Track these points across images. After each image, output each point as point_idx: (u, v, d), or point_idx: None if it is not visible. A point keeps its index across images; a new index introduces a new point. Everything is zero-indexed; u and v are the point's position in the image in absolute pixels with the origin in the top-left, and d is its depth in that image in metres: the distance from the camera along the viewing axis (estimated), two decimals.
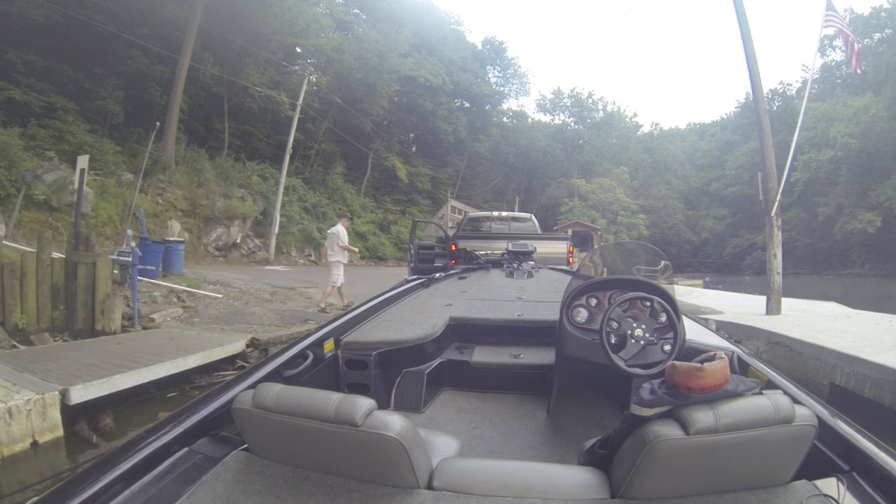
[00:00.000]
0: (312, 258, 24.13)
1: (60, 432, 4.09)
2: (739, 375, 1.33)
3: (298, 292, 11.24)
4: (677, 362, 1.26)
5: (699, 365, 1.22)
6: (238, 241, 19.98)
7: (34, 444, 3.91)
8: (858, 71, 8.97)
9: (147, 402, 5.12)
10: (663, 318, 2.12)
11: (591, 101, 55.46)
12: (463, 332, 3.49)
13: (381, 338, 2.93)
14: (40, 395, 3.99)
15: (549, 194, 49.14)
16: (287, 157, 21.41)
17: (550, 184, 50.11)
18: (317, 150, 28.51)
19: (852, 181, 38.34)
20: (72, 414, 4.26)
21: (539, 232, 9.83)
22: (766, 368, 2.14)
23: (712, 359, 1.26)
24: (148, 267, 8.97)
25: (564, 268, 6.88)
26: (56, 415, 4.07)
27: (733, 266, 47.79)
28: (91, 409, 4.54)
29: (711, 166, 58.56)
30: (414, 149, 40.12)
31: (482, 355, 3.23)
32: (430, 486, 1.33)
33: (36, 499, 1.23)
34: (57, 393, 4.10)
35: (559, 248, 7.97)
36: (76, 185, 8.84)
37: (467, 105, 44.73)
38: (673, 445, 1.18)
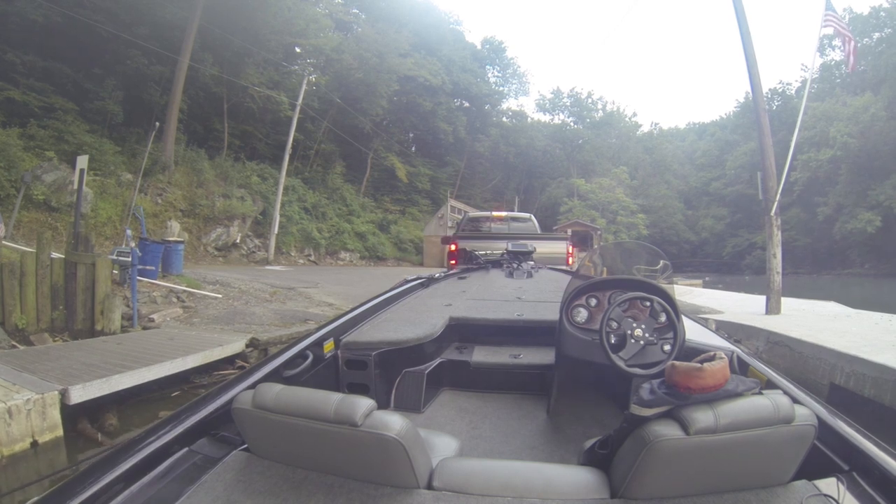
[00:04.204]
0: (312, 258, 24.14)
1: (60, 432, 4.09)
2: (739, 375, 1.33)
3: (298, 292, 11.24)
4: (677, 362, 1.26)
5: (699, 365, 1.22)
6: (238, 240, 19.99)
7: (34, 443, 3.91)
8: (850, 69, 8.94)
9: (150, 402, 5.13)
10: (663, 317, 2.12)
11: (590, 100, 55.56)
12: (463, 332, 3.48)
13: (381, 338, 2.93)
14: (40, 395, 3.99)
15: (548, 194, 49.13)
16: (286, 157, 21.44)
17: (550, 183, 50.11)
18: (316, 150, 28.52)
19: (852, 181, 38.34)
20: (72, 413, 4.26)
21: (538, 232, 9.82)
22: (766, 368, 2.14)
23: (712, 359, 1.26)
24: (147, 267, 8.96)
25: (564, 268, 6.87)
26: (56, 414, 4.07)
27: (733, 266, 47.81)
28: (93, 409, 4.54)
29: (711, 166, 58.59)
30: (413, 148, 40.12)
31: (482, 355, 3.22)
32: (429, 486, 1.33)
33: (36, 499, 1.23)
34: (56, 393, 4.09)
35: (559, 247, 7.96)
36: (76, 186, 8.84)
37: (467, 105, 44.78)
38: (673, 445, 1.18)
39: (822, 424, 1.47)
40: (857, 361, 4.81)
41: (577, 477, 1.38)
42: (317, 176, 28.03)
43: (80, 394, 4.23)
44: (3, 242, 7.82)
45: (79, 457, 4.04)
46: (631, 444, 1.27)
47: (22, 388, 4.07)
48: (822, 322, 7.28)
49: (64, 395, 4.14)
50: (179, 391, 5.47)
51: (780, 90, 49.91)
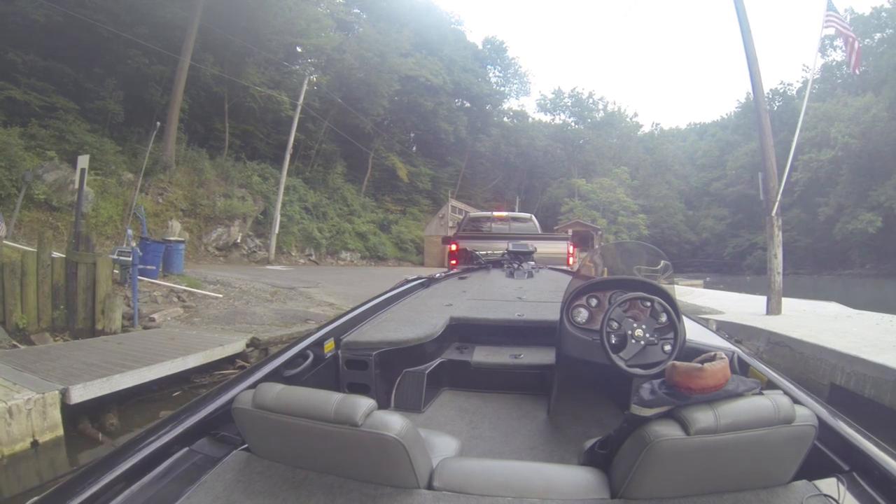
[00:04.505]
0: (313, 258, 24.14)
1: (60, 431, 4.09)
2: (740, 376, 1.32)
3: (299, 292, 11.24)
4: (677, 362, 1.26)
5: (699, 365, 1.22)
6: (238, 240, 19.99)
7: (34, 443, 3.91)
8: (857, 71, 8.91)
9: (151, 401, 5.14)
10: (663, 318, 2.12)
11: (591, 100, 55.51)
12: (463, 332, 3.48)
13: (382, 338, 2.93)
14: (40, 395, 3.99)
15: (549, 194, 49.09)
16: (287, 157, 21.44)
17: (551, 183, 50.07)
18: (317, 150, 28.52)
19: (853, 181, 38.33)
20: (72, 413, 4.26)
21: (539, 232, 9.82)
22: (767, 368, 2.14)
23: (712, 359, 1.26)
24: (148, 267, 8.97)
25: (564, 268, 6.87)
26: (56, 414, 4.07)
27: (734, 266, 47.81)
28: (94, 409, 4.54)
29: (712, 166, 58.60)
30: (414, 148, 40.09)
31: (482, 355, 3.22)
32: (430, 486, 1.33)
33: (36, 499, 1.23)
34: (57, 392, 4.10)
35: (559, 248, 7.96)
36: (76, 185, 8.84)
37: (468, 105, 44.72)
38: (673, 445, 1.18)
39: (823, 425, 1.47)
40: (858, 362, 4.80)
41: (577, 477, 1.38)
42: (318, 176, 28.03)
43: (81, 393, 4.23)
44: (4, 242, 7.82)
45: (79, 456, 4.04)
46: (631, 444, 1.27)
47: (22, 388, 4.07)
48: (823, 322, 7.27)
49: (64, 394, 4.14)
50: (180, 391, 5.47)
51: (782, 91, 50.00)
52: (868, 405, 4.49)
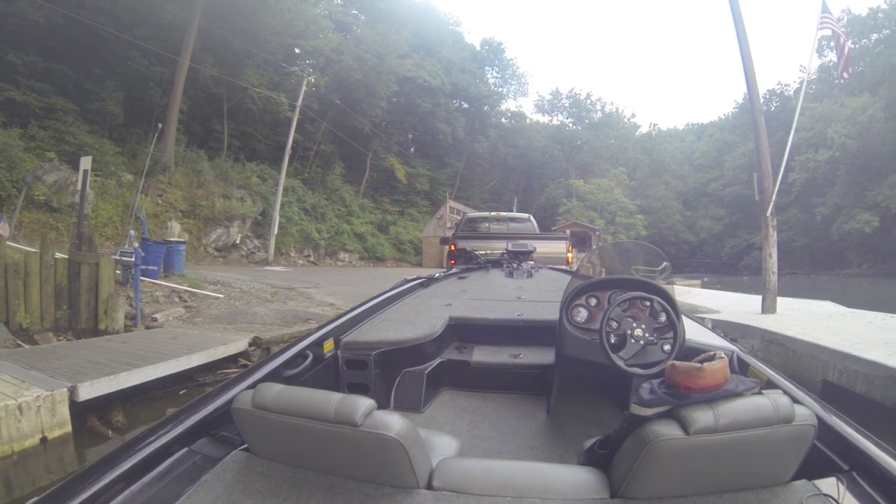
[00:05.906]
0: (311, 259, 24.13)
1: (69, 428, 4.11)
2: (739, 375, 1.33)
3: (299, 292, 11.24)
4: (677, 362, 1.26)
5: (699, 365, 1.22)
6: (237, 241, 19.99)
7: (43, 439, 3.94)
8: (845, 76, 8.87)
9: (155, 399, 5.16)
10: (663, 317, 2.12)
11: (589, 101, 55.60)
12: (463, 331, 3.49)
13: (381, 338, 2.93)
14: (49, 392, 4.01)
15: (547, 195, 49.14)
16: (286, 158, 21.44)
17: (549, 184, 50.11)
18: (316, 151, 28.51)
19: (850, 181, 38.40)
20: (80, 410, 4.28)
21: (538, 232, 9.82)
22: (766, 368, 2.14)
23: (712, 358, 1.26)
24: (150, 267, 8.97)
25: (564, 267, 6.87)
26: (65, 411, 4.09)
27: (731, 266, 47.86)
28: (100, 406, 4.56)
29: (709, 167, 58.71)
30: (412, 149, 40.07)
31: (482, 355, 3.23)
32: (429, 486, 1.33)
33: (36, 499, 1.23)
34: (65, 390, 4.12)
35: (558, 248, 7.97)
36: (79, 186, 8.84)
37: (466, 106, 44.68)
38: (673, 445, 1.18)
39: (822, 424, 1.47)
40: (850, 359, 4.84)
41: (577, 477, 1.38)
42: (316, 177, 28.03)
43: (89, 391, 4.25)
44: (6, 243, 7.81)
45: (87, 452, 4.08)
46: (631, 443, 1.27)
47: (31, 386, 4.09)
48: (817, 321, 7.30)
49: (73, 392, 4.16)
50: (184, 389, 5.49)
51: (779, 91, 50.10)
52: (859, 401, 4.53)
